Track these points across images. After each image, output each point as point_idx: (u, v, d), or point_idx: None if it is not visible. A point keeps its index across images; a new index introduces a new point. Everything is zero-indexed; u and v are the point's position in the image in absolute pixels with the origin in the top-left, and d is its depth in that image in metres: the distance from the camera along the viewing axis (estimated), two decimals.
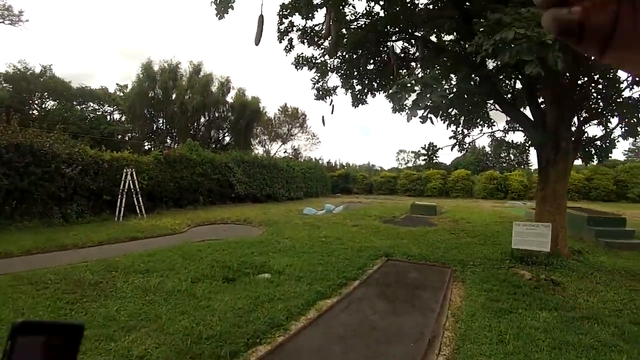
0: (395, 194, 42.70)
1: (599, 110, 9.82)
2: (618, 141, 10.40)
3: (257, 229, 12.93)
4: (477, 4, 7.86)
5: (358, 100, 11.96)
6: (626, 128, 9.91)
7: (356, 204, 25.26)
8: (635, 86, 9.34)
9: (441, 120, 10.36)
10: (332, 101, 11.94)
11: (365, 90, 11.85)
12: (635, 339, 4.55)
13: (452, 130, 10.59)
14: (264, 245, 9.40)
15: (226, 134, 43.41)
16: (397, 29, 10.00)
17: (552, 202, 8.80)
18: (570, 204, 15.91)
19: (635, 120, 9.73)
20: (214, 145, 40.50)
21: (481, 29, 5.71)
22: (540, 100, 9.72)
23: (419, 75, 5.78)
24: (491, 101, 10.40)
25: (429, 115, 8.52)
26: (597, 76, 9.54)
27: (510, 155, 72.88)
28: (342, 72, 11.56)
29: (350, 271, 7.15)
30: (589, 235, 11.55)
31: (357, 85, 11.84)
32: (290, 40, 10.73)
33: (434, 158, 11.79)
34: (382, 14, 9.85)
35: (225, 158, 22.55)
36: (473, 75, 8.46)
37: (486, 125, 11.04)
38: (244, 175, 23.35)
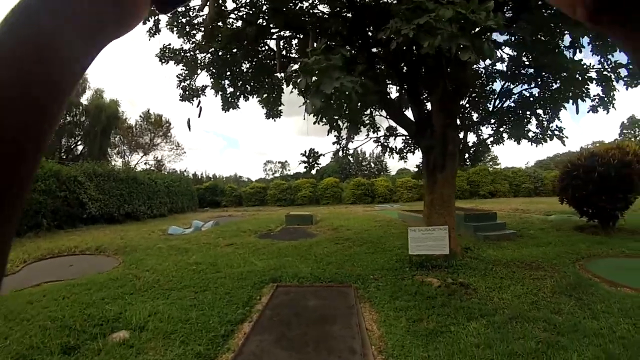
0: (266, 205, 41.61)
1: (474, 119, 10.24)
2: (491, 147, 11.06)
3: (113, 259, 10.44)
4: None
5: (229, 103, 10.73)
6: (495, 137, 10.71)
7: (227, 218, 23.48)
8: (503, 99, 9.97)
9: (322, 123, 9.49)
10: (199, 102, 10.42)
11: (238, 93, 10.66)
12: (567, 329, 4.61)
13: (335, 136, 9.80)
14: (120, 284, 7.26)
15: (79, 142, 37.96)
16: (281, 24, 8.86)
17: (441, 205, 8.61)
18: None
19: (505, 128, 10.40)
20: (64, 156, 35.05)
21: (400, 13, 4.87)
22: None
23: (320, 60, 4.64)
24: (375, 105, 9.98)
25: (322, 115, 7.55)
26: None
27: (371, 163, 78.44)
28: (214, 70, 10.19)
29: (234, 311, 5.59)
30: (468, 231, 11.94)
31: (229, 87, 10.60)
32: (157, 22, 9.04)
33: (315, 165, 11.15)
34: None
35: (74, 171, 18.58)
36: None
37: (372, 130, 10.56)
38: (97, 191, 19.63)
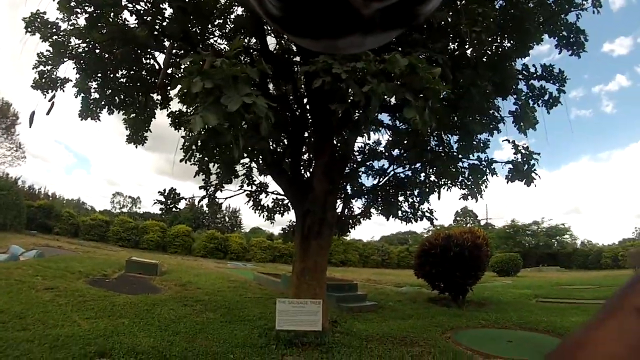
0: (106, 242, 36.20)
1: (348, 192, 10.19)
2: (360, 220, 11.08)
3: None
4: None
5: (89, 111, 8.91)
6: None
7: (55, 250, 19.74)
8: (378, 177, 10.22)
9: (191, 162, 8.26)
10: (53, 96, 8.18)
11: (103, 102, 8.91)
12: None
13: (203, 180, 8.57)
14: None
15: None
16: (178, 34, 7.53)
17: (313, 275, 7.98)
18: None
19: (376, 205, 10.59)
20: None
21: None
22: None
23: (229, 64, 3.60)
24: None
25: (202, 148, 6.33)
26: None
27: (226, 217, 76.49)
28: (84, 64, 8.25)
29: None
30: (331, 302, 11.27)
31: (95, 91, 8.81)
32: None
33: (174, 208, 9.57)
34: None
35: None
36: None
37: (246, 182, 9.61)
38: None
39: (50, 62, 8.29)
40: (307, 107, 8.64)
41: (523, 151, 7.27)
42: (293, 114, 8.79)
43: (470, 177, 8.41)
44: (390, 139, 10.04)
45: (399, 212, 10.16)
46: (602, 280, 21.64)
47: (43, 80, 8.42)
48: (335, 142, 8.46)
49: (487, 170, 8.24)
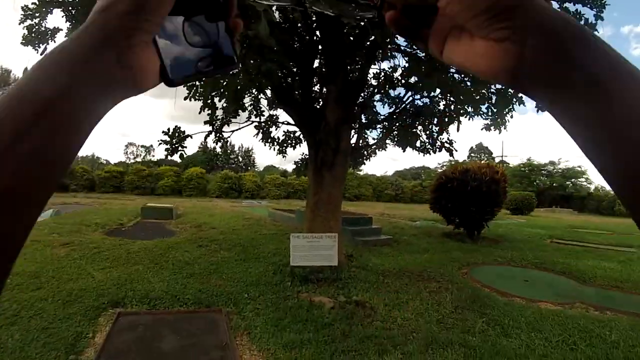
0: (123, 192, 36.60)
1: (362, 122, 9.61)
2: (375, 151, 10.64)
3: None
4: None
5: None
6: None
7: (72, 207, 19.50)
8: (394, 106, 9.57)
9: (199, 96, 7.76)
10: (45, 49, 7.57)
11: None
12: (489, 353, 4.31)
13: (208, 114, 8.08)
14: None
15: None
16: None
17: (327, 208, 7.62)
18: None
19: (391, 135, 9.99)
20: None
21: None
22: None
23: None
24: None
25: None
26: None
27: (239, 157, 76.34)
28: (73, 11, 7.39)
29: None
30: (346, 236, 11.16)
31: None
32: None
33: (180, 148, 9.18)
34: None
35: None
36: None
37: (254, 114, 9.08)
38: None
39: (37, 14, 7.43)
40: (317, 32, 7.87)
41: None
42: (302, 40, 8.09)
43: (496, 104, 7.72)
44: (407, 64, 9.33)
45: (417, 142, 9.67)
46: (616, 227, 21.42)
47: (32, 35, 7.58)
48: (348, 68, 7.82)
49: (514, 98, 7.57)
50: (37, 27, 7.56)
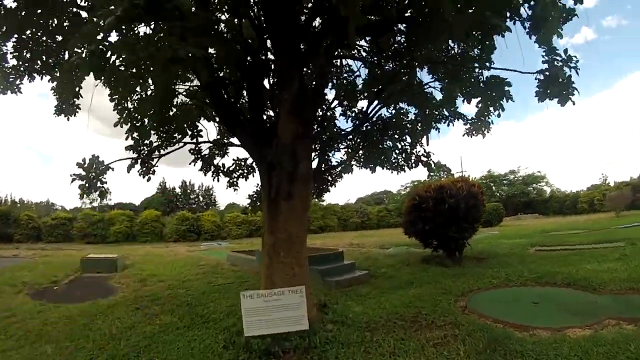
0: (72, 241, 33.58)
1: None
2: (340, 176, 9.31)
3: None
4: None
5: (7, 84, 6.86)
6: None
7: (8, 260, 17.36)
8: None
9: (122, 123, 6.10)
10: None
11: (23, 69, 6.80)
12: None
13: (133, 138, 6.41)
14: None
15: None
16: None
17: (288, 250, 5.97)
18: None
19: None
20: None
21: None
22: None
23: None
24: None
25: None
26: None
27: (199, 196, 73.85)
28: None
29: None
30: (315, 277, 9.53)
31: (12, 57, 6.67)
32: None
33: (99, 183, 7.50)
34: None
35: None
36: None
37: (189, 134, 7.35)
38: None
39: None
40: (265, 27, 6.39)
41: (559, 57, 5.31)
42: (246, 42, 6.64)
43: (490, 93, 6.21)
44: (368, 73, 8.12)
45: (387, 160, 8.31)
46: (587, 225, 21.62)
47: None
48: (304, 71, 6.41)
49: (502, 94, 6.11)
50: None
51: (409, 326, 5.77)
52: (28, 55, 6.77)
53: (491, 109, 6.39)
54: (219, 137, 8.84)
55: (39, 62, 6.83)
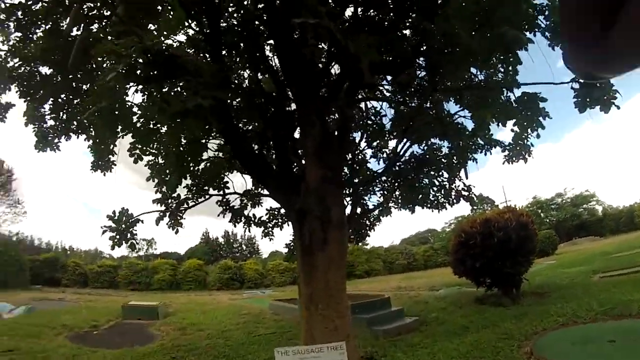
0: (117, 288, 34.85)
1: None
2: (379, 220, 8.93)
3: None
4: None
5: (45, 142, 7.21)
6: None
7: (53, 304, 17.99)
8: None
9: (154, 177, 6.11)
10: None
11: (60, 129, 7.20)
12: None
13: (161, 192, 6.36)
14: None
15: None
16: None
17: (327, 301, 5.53)
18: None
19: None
20: None
21: None
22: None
23: None
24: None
25: None
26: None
27: (242, 245, 74.45)
28: (27, 88, 6.68)
29: None
30: (360, 326, 9.07)
31: (50, 118, 7.08)
32: None
33: (129, 235, 7.58)
34: None
35: None
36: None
37: (214, 187, 7.31)
38: None
39: None
40: (284, 78, 6.39)
41: None
42: (268, 95, 6.63)
43: (525, 112, 5.61)
44: (394, 113, 7.92)
45: (425, 199, 7.88)
46: None
47: None
48: (327, 117, 6.25)
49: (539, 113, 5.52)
50: None
51: None
52: (64, 117, 7.15)
53: (529, 130, 5.90)
54: (252, 188, 8.75)
55: (74, 122, 7.11)
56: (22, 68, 6.69)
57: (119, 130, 4.30)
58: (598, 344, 5.78)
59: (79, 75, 6.51)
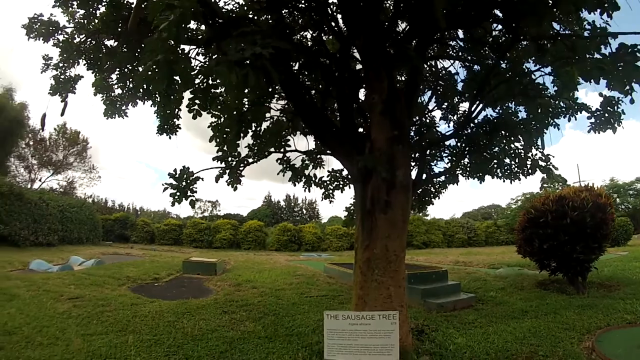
0: (181, 245, 37.08)
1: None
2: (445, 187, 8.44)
3: None
4: None
5: (114, 109, 7.55)
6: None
7: (121, 257, 19.41)
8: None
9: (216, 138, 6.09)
10: (66, 97, 7.24)
11: (127, 97, 7.59)
12: None
13: (222, 150, 6.32)
14: None
15: None
16: None
17: (385, 268, 5.26)
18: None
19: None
20: None
21: None
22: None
23: None
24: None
25: None
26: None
27: (303, 209, 75.79)
28: (93, 57, 7.08)
29: None
30: (415, 297, 8.79)
31: (118, 87, 7.42)
32: None
33: (189, 192, 7.75)
34: None
35: None
36: None
37: (276, 147, 7.23)
38: None
39: (63, 65, 7.14)
40: (348, 36, 6.05)
41: None
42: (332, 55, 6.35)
43: (621, 69, 4.28)
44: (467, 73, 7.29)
45: (498, 168, 7.27)
46: None
47: (60, 83, 7.24)
48: (394, 72, 5.82)
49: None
50: (63, 76, 7.32)
51: None
52: (130, 85, 7.44)
53: (621, 96, 5.06)
54: (314, 148, 8.54)
55: (140, 89, 7.30)
56: (88, 42, 6.98)
57: (177, 86, 4.18)
58: None
59: (142, 45, 6.58)
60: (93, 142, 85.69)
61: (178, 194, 5.86)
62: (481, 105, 6.45)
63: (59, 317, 6.70)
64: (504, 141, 7.09)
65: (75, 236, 25.38)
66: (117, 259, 18.37)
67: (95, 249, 23.92)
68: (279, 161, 7.76)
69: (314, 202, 74.94)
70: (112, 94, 7.49)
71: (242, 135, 5.68)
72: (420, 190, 8.50)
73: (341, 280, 12.59)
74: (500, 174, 7.26)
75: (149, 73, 3.60)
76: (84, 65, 7.19)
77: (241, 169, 6.86)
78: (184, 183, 5.89)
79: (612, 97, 5.64)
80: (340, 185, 8.94)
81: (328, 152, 7.32)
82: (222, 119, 5.80)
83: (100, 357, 4.95)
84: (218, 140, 6.12)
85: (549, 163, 6.96)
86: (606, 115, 5.85)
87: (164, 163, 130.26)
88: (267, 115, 7.20)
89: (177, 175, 5.86)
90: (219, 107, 5.57)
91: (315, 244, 37.81)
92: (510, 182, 7.29)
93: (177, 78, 3.97)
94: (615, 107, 5.75)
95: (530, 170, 7.10)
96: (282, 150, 7.33)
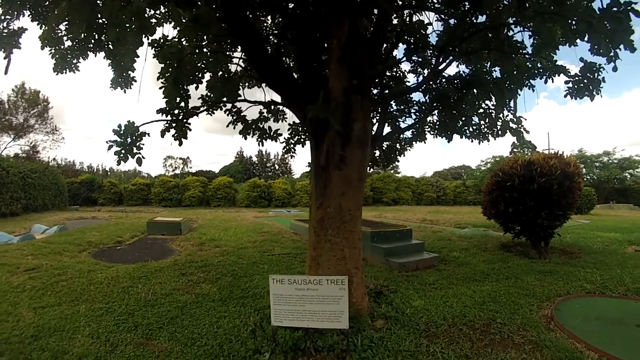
0: (150, 205, 36.01)
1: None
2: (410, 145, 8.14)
3: None
4: None
5: (64, 63, 6.74)
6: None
7: (86, 222, 18.68)
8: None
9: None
10: (10, 52, 5.98)
11: (77, 48, 6.66)
12: None
13: (165, 100, 5.73)
14: None
15: None
16: None
17: (339, 228, 4.95)
18: None
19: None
20: None
21: None
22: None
23: None
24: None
25: None
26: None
27: (275, 165, 75.25)
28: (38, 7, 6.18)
29: None
30: (377, 256, 8.73)
31: (67, 38, 6.53)
32: None
33: (135, 150, 7.10)
34: None
35: None
36: None
37: (229, 96, 6.64)
38: None
39: (3, 17, 6.07)
40: None
41: None
42: None
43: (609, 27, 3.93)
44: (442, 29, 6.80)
45: (466, 127, 6.94)
46: None
47: (3, 40, 6.09)
48: (356, 15, 5.26)
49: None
50: (5, 30, 6.29)
51: (477, 338, 4.50)
52: (82, 36, 6.53)
53: (604, 60, 4.67)
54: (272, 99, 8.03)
55: (92, 40, 6.51)
56: None
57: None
58: (625, 326, 5.03)
59: None
60: (57, 102, 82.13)
61: (123, 151, 5.32)
62: (451, 58, 6.00)
63: (12, 291, 6.29)
64: (475, 100, 6.71)
65: (39, 203, 24.15)
66: (82, 223, 17.66)
67: (61, 214, 22.80)
68: (227, 112, 7.18)
69: (287, 157, 74.63)
70: (62, 47, 6.71)
71: (196, 85, 5.14)
72: (386, 146, 8.16)
73: (306, 237, 12.42)
74: (468, 134, 6.94)
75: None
76: (29, 16, 6.38)
77: (189, 123, 6.26)
78: (129, 139, 5.34)
79: (594, 64, 5.29)
80: (302, 140, 8.49)
81: (283, 103, 6.87)
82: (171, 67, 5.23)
83: (49, 330, 4.62)
84: (163, 91, 5.56)
85: (519, 126, 6.63)
86: (585, 81, 5.51)
87: (127, 119, 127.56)
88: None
89: (121, 132, 5.31)
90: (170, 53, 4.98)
91: (286, 200, 37.60)
92: (479, 143, 7.04)
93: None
94: (596, 75, 5.41)
95: (500, 132, 6.80)
96: (235, 100, 6.75)
